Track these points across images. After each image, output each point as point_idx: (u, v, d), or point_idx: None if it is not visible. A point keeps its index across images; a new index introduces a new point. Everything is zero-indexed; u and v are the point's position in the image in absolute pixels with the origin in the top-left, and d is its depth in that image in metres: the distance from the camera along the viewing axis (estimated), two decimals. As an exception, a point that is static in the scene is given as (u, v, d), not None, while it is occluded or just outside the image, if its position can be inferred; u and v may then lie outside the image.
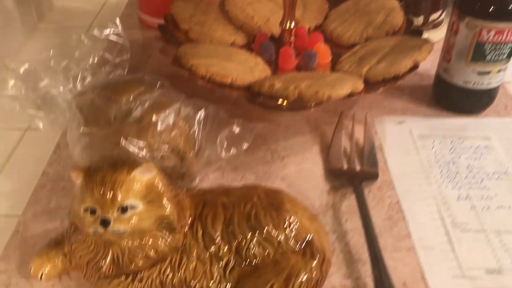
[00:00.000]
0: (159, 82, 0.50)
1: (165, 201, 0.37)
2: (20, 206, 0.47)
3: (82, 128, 0.44)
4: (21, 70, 0.55)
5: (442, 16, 0.70)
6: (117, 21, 0.58)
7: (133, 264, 0.37)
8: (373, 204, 0.47)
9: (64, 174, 0.50)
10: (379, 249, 0.41)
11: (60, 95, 0.53)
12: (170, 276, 0.38)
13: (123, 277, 0.37)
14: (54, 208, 0.46)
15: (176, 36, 0.61)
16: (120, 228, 0.35)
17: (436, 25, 0.71)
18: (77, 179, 0.37)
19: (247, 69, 0.54)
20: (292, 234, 0.39)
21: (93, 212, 0.36)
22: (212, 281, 0.38)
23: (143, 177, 0.37)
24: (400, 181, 0.49)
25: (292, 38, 0.60)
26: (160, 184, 0.37)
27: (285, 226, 0.39)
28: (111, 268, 0.37)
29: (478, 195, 0.48)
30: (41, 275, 0.39)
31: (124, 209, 0.36)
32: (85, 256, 0.38)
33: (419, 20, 0.68)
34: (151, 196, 0.37)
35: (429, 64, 0.67)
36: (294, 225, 0.39)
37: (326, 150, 0.53)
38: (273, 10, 0.66)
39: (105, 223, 0.35)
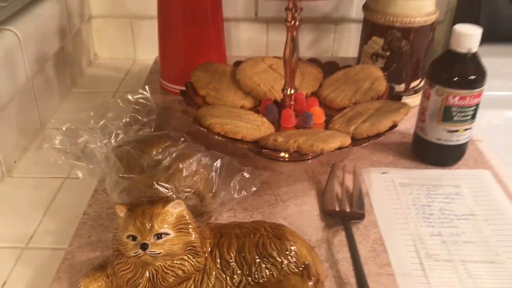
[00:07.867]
0: (182, 138, 0.60)
1: (191, 230, 0.47)
2: (65, 241, 0.57)
3: (122, 174, 0.55)
4: (64, 128, 0.66)
5: (421, 83, 0.82)
6: (146, 87, 0.70)
7: (165, 281, 0.46)
8: (360, 239, 0.56)
9: (102, 214, 0.60)
10: (364, 274, 0.50)
11: (98, 149, 0.63)
12: (194, 292, 0.47)
13: (156, 292, 0.47)
14: (95, 241, 0.55)
15: (195, 100, 0.72)
16: (156, 251, 0.45)
17: (416, 91, 0.82)
18: (121, 212, 0.47)
19: (254, 127, 0.65)
20: (293, 260, 0.48)
21: (134, 238, 0.45)
22: (227, 297, 0.47)
23: (174, 210, 0.46)
24: (383, 221, 0.59)
25: (292, 102, 0.71)
26: (187, 216, 0.47)
27: (287, 253, 0.48)
28: (147, 285, 0.46)
29: (448, 232, 0.57)
30: (88, 292, 0.48)
31: (159, 236, 0.45)
32: (125, 275, 0.47)
33: (400, 87, 0.79)
34: (180, 225, 0.46)
35: (409, 124, 0.78)
36: (294, 252, 0.48)
37: (321, 195, 0.63)
38: (276, 78, 0.77)
39: (144, 247, 0.45)
